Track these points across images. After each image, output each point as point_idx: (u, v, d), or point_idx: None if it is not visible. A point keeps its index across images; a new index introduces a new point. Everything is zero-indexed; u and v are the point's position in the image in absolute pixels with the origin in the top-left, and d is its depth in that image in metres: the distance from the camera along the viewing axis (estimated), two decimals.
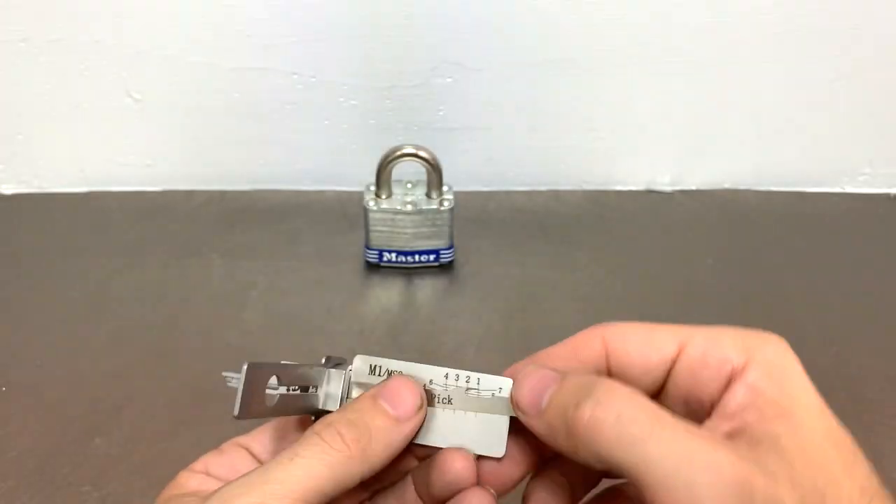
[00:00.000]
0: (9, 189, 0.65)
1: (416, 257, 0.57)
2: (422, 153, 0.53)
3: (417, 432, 0.30)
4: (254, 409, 0.28)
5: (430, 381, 0.31)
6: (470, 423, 0.30)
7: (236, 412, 0.27)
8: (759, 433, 0.25)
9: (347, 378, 0.31)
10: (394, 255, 0.57)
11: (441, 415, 0.31)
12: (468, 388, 0.31)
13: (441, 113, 0.62)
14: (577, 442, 0.26)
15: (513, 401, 0.29)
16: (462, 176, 0.65)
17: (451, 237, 0.57)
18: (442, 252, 0.57)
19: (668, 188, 0.66)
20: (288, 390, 0.30)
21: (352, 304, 0.54)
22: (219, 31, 0.58)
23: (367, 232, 0.56)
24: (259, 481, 0.27)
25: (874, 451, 0.44)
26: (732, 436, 0.25)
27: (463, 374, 0.31)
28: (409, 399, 0.29)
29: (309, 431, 0.28)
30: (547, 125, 0.63)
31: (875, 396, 0.48)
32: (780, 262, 0.59)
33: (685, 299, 0.55)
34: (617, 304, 0.55)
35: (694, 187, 0.66)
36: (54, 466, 0.43)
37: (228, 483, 0.27)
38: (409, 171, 0.55)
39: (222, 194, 0.65)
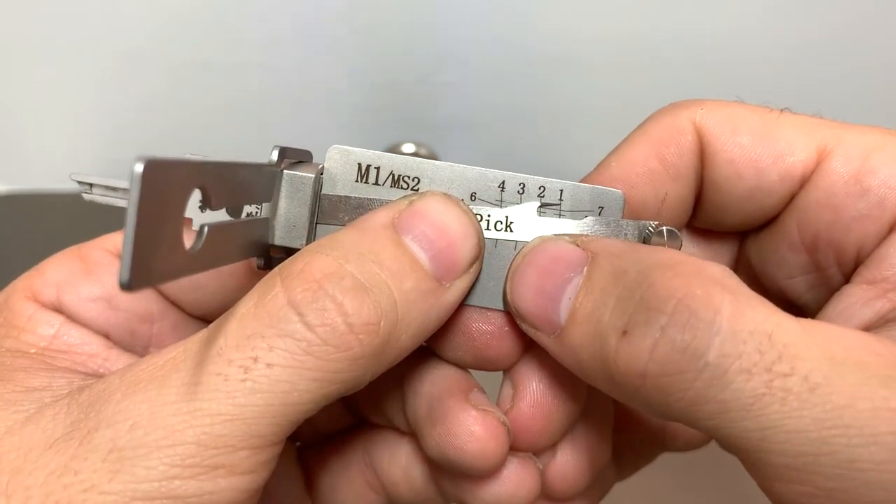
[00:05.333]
0: (2, 187, 0.64)
1: None
2: (422, 151, 0.52)
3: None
4: (161, 264, 0.13)
5: (473, 196, 0.19)
6: None
7: (126, 275, 0.12)
8: None
9: (317, 187, 0.18)
10: None
11: (491, 253, 0.18)
12: (544, 206, 0.19)
13: (442, 110, 0.62)
14: (626, 392, 0.15)
15: (509, 304, 0.18)
16: None
17: None
18: None
19: None
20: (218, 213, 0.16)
21: None
22: (216, 29, 0.57)
23: None
24: (183, 416, 0.14)
25: None
26: (892, 318, 0.16)
27: (533, 181, 0.19)
28: (460, 240, 0.17)
29: (278, 299, 0.15)
30: (549, 123, 0.63)
31: None
32: None
33: None
34: None
35: None
36: None
37: (116, 396, 0.15)
38: None
39: None
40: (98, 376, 0.17)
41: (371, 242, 0.16)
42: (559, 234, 0.18)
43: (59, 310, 0.19)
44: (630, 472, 0.23)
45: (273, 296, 0.16)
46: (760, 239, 0.19)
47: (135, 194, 0.12)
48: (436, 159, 0.53)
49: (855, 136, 0.18)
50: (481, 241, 0.18)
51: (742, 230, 0.19)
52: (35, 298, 0.18)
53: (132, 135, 0.62)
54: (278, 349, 0.15)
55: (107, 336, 0.19)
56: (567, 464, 0.20)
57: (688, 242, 0.20)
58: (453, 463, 0.19)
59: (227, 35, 0.58)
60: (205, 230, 0.15)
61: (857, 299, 0.16)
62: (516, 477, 0.19)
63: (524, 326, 0.18)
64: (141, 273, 0.13)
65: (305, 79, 0.60)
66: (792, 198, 0.18)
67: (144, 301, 0.19)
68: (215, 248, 0.15)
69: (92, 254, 0.19)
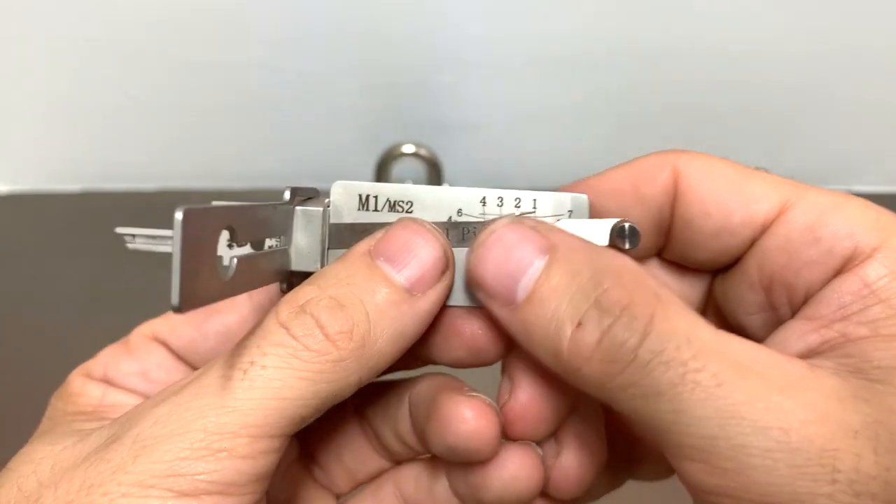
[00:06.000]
0: (2, 188, 0.64)
1: None
2: (422, 152, 0.52)
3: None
4: (203, 290, 0.17)
5: (460, 212, 0.21)
6: None
7: (176, 300, 0.16)
8: (866, 356, 0.17)
9: (325, 219, 0.21)
10: None
11: None
12: (521, 214, 0.21)
13: (441, 111, 0.62)
14: (568, 369, 0.18)
15: (470, 274, 0.20)
16: (462, 175, 0.65)
17: None
18: None
19: None
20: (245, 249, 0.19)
21: None
22: (216, 29, 0.57)
23: None
24: (194, 411, 0.18)
25: None
26: (820, 351, 0.18)
27: (509, 194, 0.21)
28: (425, 255, 0.19)
29: (271, 320, 0.19)
30: (548, 123, 0.63)
31: None
32: None
33: None
34: None
35: None
36: None
37: (146, 408, 0.19)
38: (409, 170, 0.55)
39: (219, 193, 0.64)
40: None
41: (349, 269, 0.20)
42: (521, 217, 0.21)
43: (105, 382, 0.23)
44: (596, 497, 0.25)
45: (267, 318, 0.19)
46: (726, 279, 0.22)
47: (177, 236, 0.16)
48: (435, 160, 0.53)
49: (815, 195, 0.20)
50: (448, 254, 0.21)
51: (709, 268, 0.22)
52: (88, 376, 0.23)
53: (132, 135, 0.62)
54: (270, 354, 0.18)
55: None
56: (571, 462, 0.22)
57: (663, 275, 0.23)
58: (454, 450, 0.21)
59: (228, 36, 0.58)
60: (233, 261, 0.18)
61: (793, 332, 0.19)
62: (518, 460, 0.21)
63: (478, 294, 0.20)
64: (187, 298, 0.16)
65: (306, 80, 0.60)
66: (754, 242, 0.21)
67: (175, 372, 0.23)
68: (244, 275, 0.19)
69: (133, 338, 0.24)
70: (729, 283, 0.21)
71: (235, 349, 0.19)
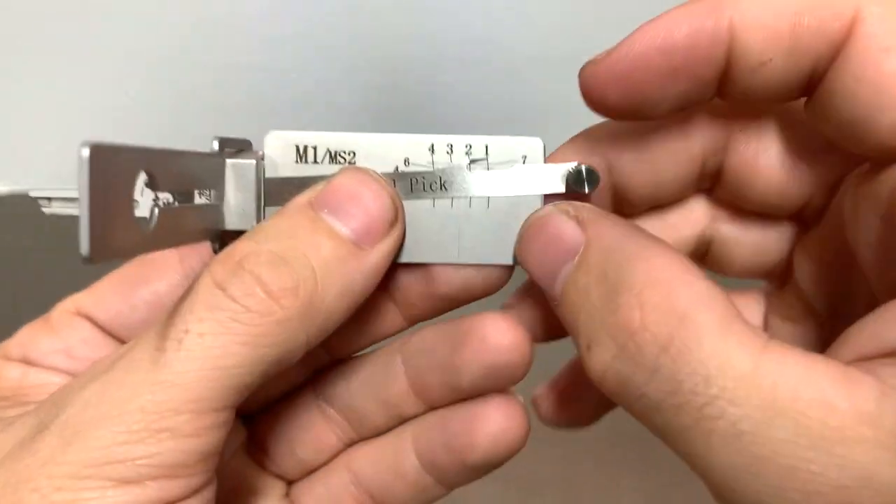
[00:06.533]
0: (2, 188, 0.64)
1: None
2: None
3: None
4: (118, 240, 0.15)
5: (407, 162, 0.20)
6: (480, 220, 0.20)
7: (86, 247, 0.14)
8: None
9: (259, 173, 0.19)
10: None
11: (431, 212, 0.20)
12: (473, 161, 0.20)
13: (442, 111, 0.62)
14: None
15: (519, 261, 0.19)
16: None
17: None
18: None
19: None
20: (170, 202, 0.17)
21: None
22: (216, 29, 0.57)
23: None
24: (128, 389, 0.16)
25: None
26: None
27: (459, 140, 0.20)
28: (372, 206, 0.18)
29: (205, 282, 0.17)
30: (550, 124, 0.62)
31: None
32: None
33: None
34: None
35: None
36: None
37: (73, 390, 0.17)
38: None
39: None
40: None
41: (289, 221, 0.18)
42: (560, 205, 0.19)
43: (25, 362, 0.21)
44: (592, 416, 0.24)
45: (199, 280, 0.17)
46: (857, 192, 0.17)
47: (84, 176, 0.14)
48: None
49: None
50: (396, 204, 0.19)
51: (844, 153, 0.18)
52: (5, 357, 0.21)
53: (133, 135, 0.62)
54: (207, 320, 0.16)
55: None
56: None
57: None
58: (492, 368, 0.20)
59: (228, 36, 0.57)
60: (155, 212, 0.17)
61: None
62: (504, 410, 0.21)
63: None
64: (98, 247, 0.14)
65: (305, 80, 0.60)
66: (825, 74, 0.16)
67: (102, 348, 0.21)
68: (168, 229, 0.17)
69: (54, 315, 0.21)
70: (858, 196, 0.17)
71: (168, 317, 0.17)
